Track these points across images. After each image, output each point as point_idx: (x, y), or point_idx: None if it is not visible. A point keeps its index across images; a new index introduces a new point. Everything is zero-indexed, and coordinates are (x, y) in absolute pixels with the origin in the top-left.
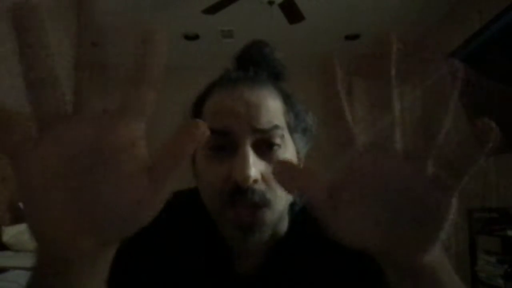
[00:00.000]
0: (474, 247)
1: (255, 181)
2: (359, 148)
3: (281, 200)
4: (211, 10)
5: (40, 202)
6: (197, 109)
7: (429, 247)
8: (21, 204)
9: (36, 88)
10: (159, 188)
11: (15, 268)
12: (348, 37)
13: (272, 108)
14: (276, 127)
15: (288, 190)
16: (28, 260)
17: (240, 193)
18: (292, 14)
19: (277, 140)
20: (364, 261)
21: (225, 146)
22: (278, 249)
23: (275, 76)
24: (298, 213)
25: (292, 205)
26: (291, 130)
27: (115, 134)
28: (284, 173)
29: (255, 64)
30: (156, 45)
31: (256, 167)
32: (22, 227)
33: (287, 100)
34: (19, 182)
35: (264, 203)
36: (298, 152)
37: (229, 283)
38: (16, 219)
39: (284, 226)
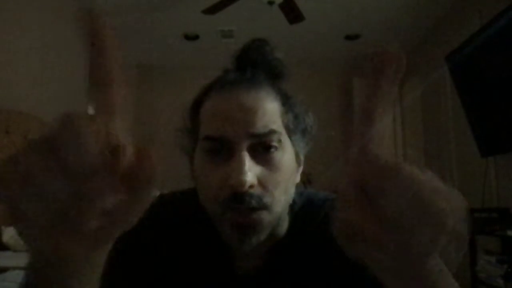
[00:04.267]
0: (474, 247)
1: (252, 186)
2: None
3: (279, 202)
4: (211, 10)
5: (26, 214)
6: (195, 112)
7: (433, 251)
8: None
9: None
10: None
11: (15, 268)
12: (348, 37)
13: (269, 111)
14: (272, 131)
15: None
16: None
17: (237, 199)
18: (292, 14)
19: (274, 144)
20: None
21: (222, 150)
22: (278, 250)
23: (274, 76)
24: (297, 213)
25: (292, 206)
26: (290, 132)
27: (89, 141)
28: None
29: (254, 64)
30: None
31: (252, 171)
32: None
33: (286, 101)
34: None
35: (261, 207)
36: (297, 155)
37: (229, 284)
38: None
39: (283, 227)
